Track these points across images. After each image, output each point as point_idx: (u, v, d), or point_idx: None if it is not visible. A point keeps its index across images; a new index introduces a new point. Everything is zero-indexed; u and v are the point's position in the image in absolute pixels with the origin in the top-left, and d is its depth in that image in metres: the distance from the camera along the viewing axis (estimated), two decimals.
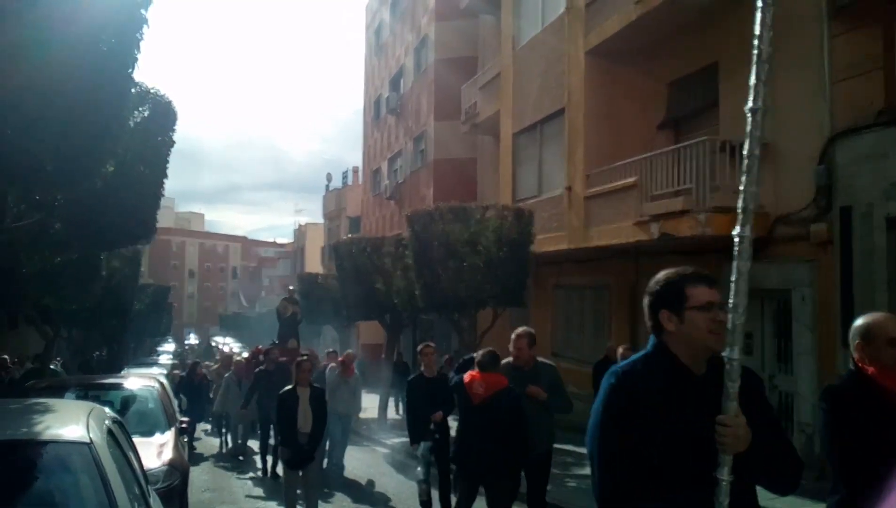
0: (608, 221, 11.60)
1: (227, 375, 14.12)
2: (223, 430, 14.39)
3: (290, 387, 7.36)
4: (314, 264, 46.90)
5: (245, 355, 19.27)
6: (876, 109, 8.15)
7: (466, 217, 11.87)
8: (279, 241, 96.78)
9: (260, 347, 15.47)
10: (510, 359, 6.10)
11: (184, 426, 8.34)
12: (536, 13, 15.09)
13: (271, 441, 10.83)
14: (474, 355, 6.01)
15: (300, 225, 59.94)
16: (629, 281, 12.67)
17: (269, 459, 11.04)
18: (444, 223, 11.89)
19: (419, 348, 8.06)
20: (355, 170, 39.66)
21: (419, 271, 12.37)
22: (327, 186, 44.65)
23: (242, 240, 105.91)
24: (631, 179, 11.00)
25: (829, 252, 8.59)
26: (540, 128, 14.70)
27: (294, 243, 63.65)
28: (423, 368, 7.78)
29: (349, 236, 28.12)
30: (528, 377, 6.01)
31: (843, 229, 8.36)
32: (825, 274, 8.65)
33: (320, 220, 48.94)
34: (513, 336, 6.10)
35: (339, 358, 11.44)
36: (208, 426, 16.81)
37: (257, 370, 11.47)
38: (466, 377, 5.78)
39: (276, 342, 14.24)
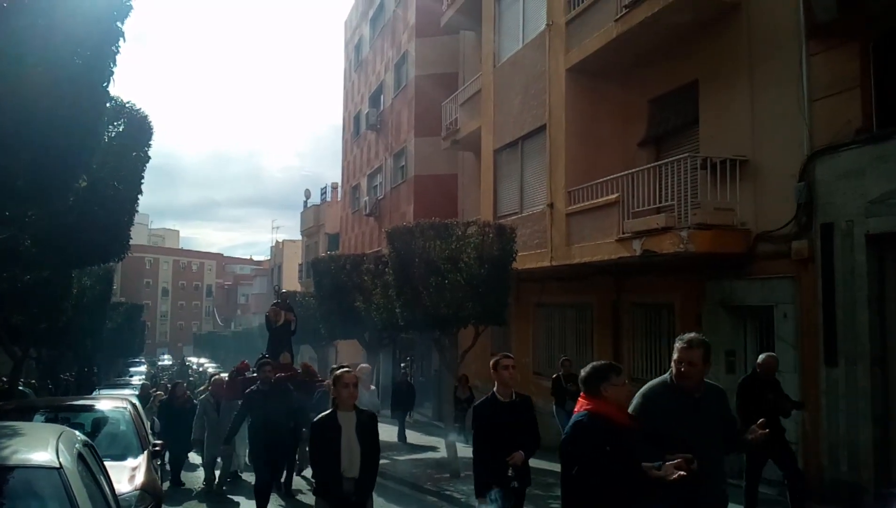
0: (590, 238, 11.57)
1: (202, 397, 12.09)
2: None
3: (328, 412, 5.31)
4: (292, 281, 46.53)
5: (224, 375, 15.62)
6: (854, 126, 8.23)
7: (447, 234, 11.76)
8: (256, 258, 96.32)
9: (245, 362, 13.44)
10: (667, 376, 4.20)
11: (157, 449, 8.08)
12: (517, 30, 15.15)
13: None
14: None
15: (277, 242, 59.55)
16: (611, 299, 12.65)
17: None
18: (424, 240, 11.77)
19: (494, 360, 5.86)
20: (334, 186, 39.50)
21: (399, 288, 12.23)
22: (305, 202, 44.47)
23: (218, 257, 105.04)
24: (612, 196, 10.99)
25: (811, 269, 8.62)
26: (521, 144, 14.71)
27: (271, 260, 63.20)
28: (495, 389, 5.74)
29: (328, 252, 27.92)
30: (699, 406, 4.09)
31: (824, 246, 8.40)
32: (807, 291, 8.67)
33: (298, 237, 48.66)
34: (678, 344, 4.11)
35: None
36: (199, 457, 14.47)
37: (248, 390, 9.23)
38: (592, 404, 3.83)
39: (266, 355, 11.82)
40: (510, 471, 5.41)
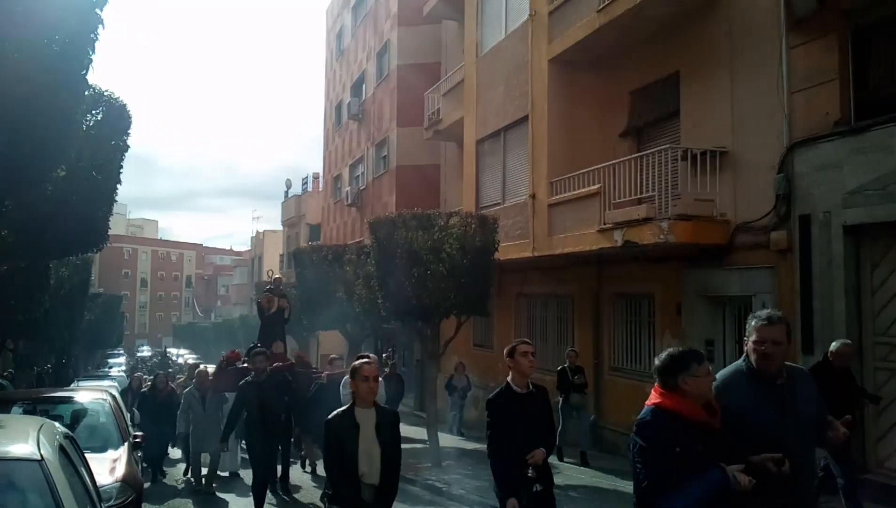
0: (572, 228, 11.63)
1: (187, 389, 11.36)
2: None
3: (344, 408, 4.60)
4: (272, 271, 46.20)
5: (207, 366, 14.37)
6: (832, 119, 8.33)
7: (430, 224, 11.74)
8: (236, 248, 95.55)
9: (236, 351, 12.63)
10: (741, 363, 3.62)
11: (137, 440, 8.02)
12: (500, 20, 15.12)
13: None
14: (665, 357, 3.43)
15: (258, 232, 59.14)
16: (592, 289, 12.74)
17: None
18: (407, 231, 11.73)
19: (510, 346, 5.15)
20: (315, 176, 39.29)
21: (381, 279, 12.20)
22: (286, 192, 44.15)
23: (197, 247, 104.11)
24: (594, 187, 11.05)
25: (789, 259, 8.73)
26: (503, 135, 14.72)
27: (251, 250, 62.76)
28: (510, 379, 5.05)
29: (309, 243, 27.78)
30: (784, 393, 3.52)
31: (802, 236, 8.52)
32: (785, 281, 8.79)
33: (279, 227, 48.35)
34: (755, 322, 3.56)
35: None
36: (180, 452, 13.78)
37: (243, 381, 8.57)
38: (663, 398, 3.37)
39: (258, 344, 11.19)
40: (530, 471, 4.83)
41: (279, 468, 9.61)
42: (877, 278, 7.95)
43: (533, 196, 13.05)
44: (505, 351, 5.16)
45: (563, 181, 12.13)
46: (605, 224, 10.51)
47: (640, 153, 10.67)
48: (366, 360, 4.63)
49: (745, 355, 3.63)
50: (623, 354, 12.06)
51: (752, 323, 3.57)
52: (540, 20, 13.17)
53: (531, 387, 5.06)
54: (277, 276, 14.39)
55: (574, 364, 11.51)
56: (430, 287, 11.34)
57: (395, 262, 11.74)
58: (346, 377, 8.18)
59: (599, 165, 11.05)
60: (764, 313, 3.61)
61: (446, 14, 18.89)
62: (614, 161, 10.84)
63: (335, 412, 4.61)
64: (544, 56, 12.92)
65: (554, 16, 12.75)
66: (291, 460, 10.89)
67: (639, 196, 10.08)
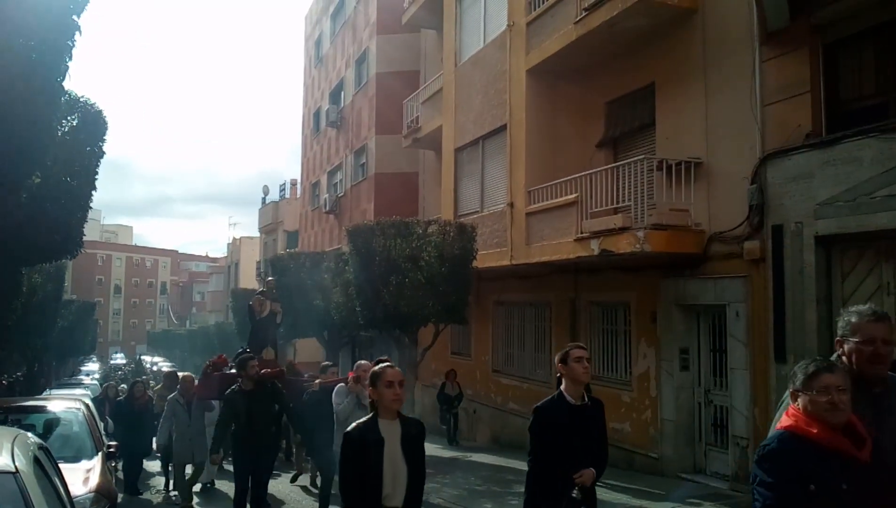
0: (549, 237, 11.71)
1: (170, 396, 10.62)
2: (169, 469, 11.26)
3: (365, 420, 3.98)
4: (249, 279, 45.94)
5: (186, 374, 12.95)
6: (804, 131, 8.49)
7: (408, 232, 11.80)
8: (212, 255, 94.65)
9: (223, 356, 12.03)
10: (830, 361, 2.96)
11: (111, 450, 7.92)
12: (479, 29, 15.22)
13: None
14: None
15: (234, 239, 58.67)
16: (569, 297, 12.82)
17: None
18: (385, 238, 11.78)
19: (563, 352, 4.52)
20: (293, 183, 39.13)
21: (360, 286, 12.21)
22: (264, 198, 43.90)
23: (172, 254, 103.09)
24: (571, 196, 11.14)
25: (762, 269, 8.87)
26: (482, 143, 14.80)
27: (228, 257, 62.22)
28: (563, 388, 4.48)
29: (287, 250, 27.65)
30: (882, 402, 2.99)
31: (775, 246, 8.66)
32: (758, 290, 8.93)
33: (256, 234, 48.03)
34: (856, 319, 3.06)
35: (352, 373, 8.01)
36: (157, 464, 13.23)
37: (229, 391, 7.96)
38: (795, 419, 2.78)
39: (247, 349, 10.61)
40: (576, 492, 4.29)
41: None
42: (847, 287, 8.10)
43: (511, 205, 13.13)
44: (557, 357, 4.58)
45: (540, 190, 12.22)
46: (582, 233, 10.60)
47: (616, 163, 10.79)
48: (388, 363, 4.08)
49: (836, 356, 3.09)
50: (600, 362, 12.15)
51: (853, 319, 3.04)
52: (518, 30, 13.28)
53: (586, 398, 4.49)
54: (270, 278, 13.97)
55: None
56: (407, 295, 11.38)
57: (373, 270, 11.77)
58: (340, 385, 8.16)
59: (576, 175, 11.15)
60: (866, 308, 3.08)
61: (425, 22, 18.97)
62: (591, 171, 10.95)
63: (355, 425, 3.97)
64: (522, 66, 13.03)
65: (532, 26, 12.86)
66: (276, 472, 10.40)
67: (615, 206, 10.18)
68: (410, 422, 4.07)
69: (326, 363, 10.99)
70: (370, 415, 3.99)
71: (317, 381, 9.56)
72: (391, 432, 3.90)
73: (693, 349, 10.23)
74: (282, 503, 10.01)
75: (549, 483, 4.36)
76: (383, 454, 3.83)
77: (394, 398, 3.91)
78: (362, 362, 8.35)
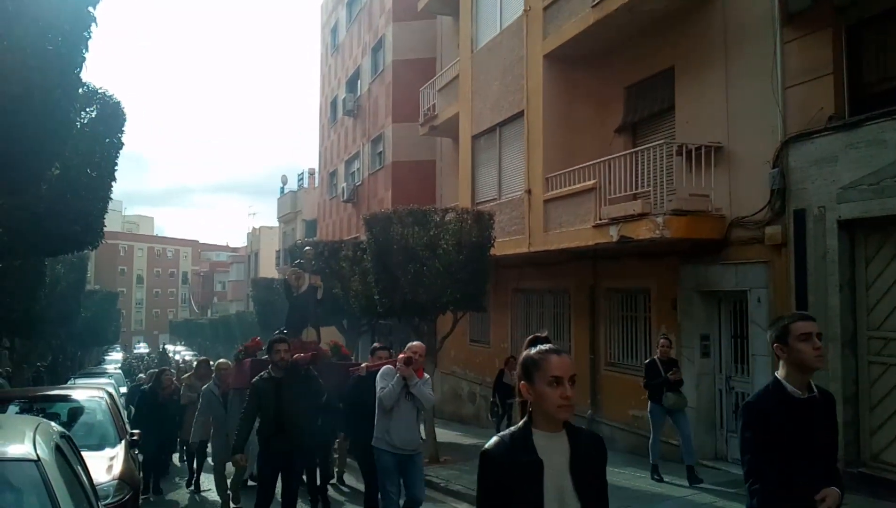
0: (567, 224, 11.64)
1: (205, 386, 9.75)
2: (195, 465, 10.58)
3: (513, 431, 2.61)
4: (269, 268, 46.28)
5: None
6: (827, 113, 8.34)
7: (426, 220, 11.76)
8: (232, 245, 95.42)
9: (257, 339, 10.88)
10: None
11: (135, 438, 8.01)
12: (495, 15, 15.10)
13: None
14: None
15: (254, 229, 59.08)
16: (588, 284, 12.76)
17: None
18: (402, 226, 11.75)
19: (781, 325, 3.29)
20: (311, 172, 39.24)
21: (378, 275, 12.21)
22: (282, 188, 44.15)
23: (193, 244, 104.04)
24: (590, 183, 11.06)
25: (784, 254, 8.76)
26: (499, 130, 14.71)
27: (248, 247, 62.70)
28: (782, 376, 3.29)
29: (305, 239, 27.77)
30: None
31: (797, 231, 8.53)
32: (780, 276, 8.81)
33: (275, 223, 48.31)
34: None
35: (402, 354, 6.78)
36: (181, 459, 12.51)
37: (256, 378, 6.86)
38: None
39: (284, 331, 9.41)
40: None
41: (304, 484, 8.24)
42: (871, 272, 7.97)
43: (529, 192, 13.06)
44: (770, 334, 3.34)
45: (558, 177, 12.13)
46: (600, 220, 10.53)
47: (635, 149, 10.68)
48: (552, 348, 2.62)
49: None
50: (619, 349, 12.09)
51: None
52: (535, 15, 13.16)
53: (814, 389, 3.26)
54: (308, 247, 12.24)
55: (667, 355, 9.17)
56: (426, 283, 11.37)
57: (391, 258, 11.76)
58: (387, 366, 6.76)
59: (595, 161, 11.06)
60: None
61: (441, 9, 18.86)
62: (610, 157, 10.85)
63: (498, 439, 2.58)
64: (539, 51, 12.92)
65: (548, 11, 12.73)
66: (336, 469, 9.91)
67: (634, 192, 10.09)
68: (583, 436, 2.63)
69: (376, 344, 8.45)
70: (520, 424, 2.62)
71: (363, 365, 7.80)
72: (554, 450, 2.53)
73: (714, 335, 10.14)
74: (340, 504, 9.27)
75: (778, 503, 3.14)
76: (543, 483, 2.47)
77: (561, 401, 2.48)
78: (414, 342, 7.09)
